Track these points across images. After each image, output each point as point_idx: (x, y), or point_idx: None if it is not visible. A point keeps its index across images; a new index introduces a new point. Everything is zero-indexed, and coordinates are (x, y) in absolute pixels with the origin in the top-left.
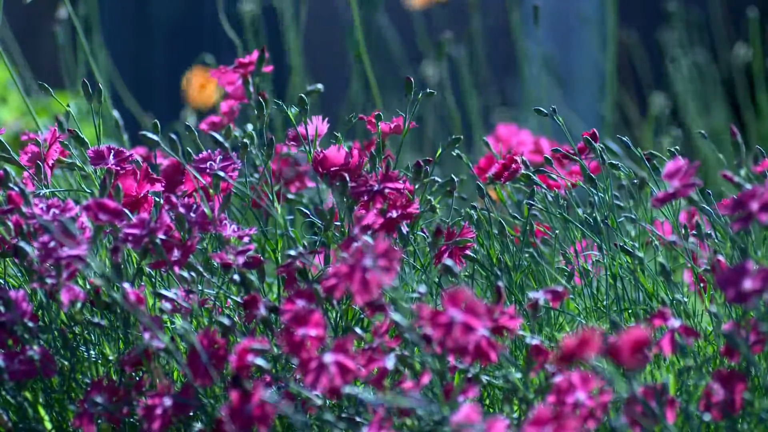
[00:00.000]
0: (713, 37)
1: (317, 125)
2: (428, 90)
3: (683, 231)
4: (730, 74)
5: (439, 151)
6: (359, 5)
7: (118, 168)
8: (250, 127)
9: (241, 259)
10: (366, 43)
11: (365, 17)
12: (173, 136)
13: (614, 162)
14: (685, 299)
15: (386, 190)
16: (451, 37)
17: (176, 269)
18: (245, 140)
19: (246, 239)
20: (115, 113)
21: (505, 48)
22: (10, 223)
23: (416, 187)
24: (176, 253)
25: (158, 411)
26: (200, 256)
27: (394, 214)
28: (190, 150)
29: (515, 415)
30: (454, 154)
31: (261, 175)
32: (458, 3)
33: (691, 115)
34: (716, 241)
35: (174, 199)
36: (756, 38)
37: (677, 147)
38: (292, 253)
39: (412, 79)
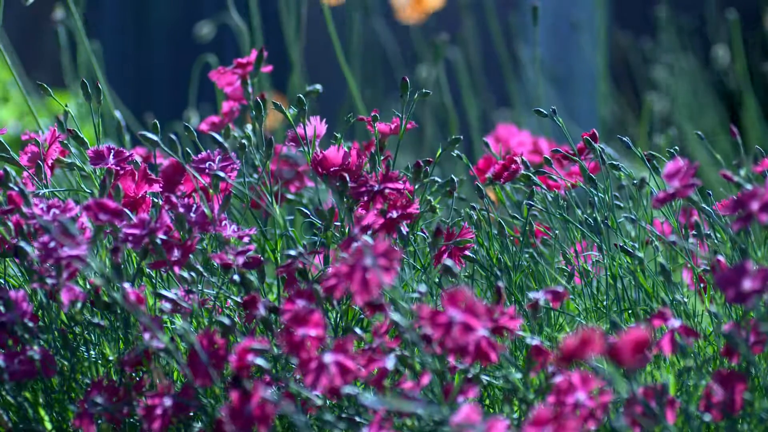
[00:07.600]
0: (707, 41)
1: (316, 126)
2: (424, 90)
3: (683, 231)
4: (726, 76)
5: (439, 151)
6: (356, 9)
7: (118, 168)
8: (249, 127)
9: (240, 260)
10: (364, 46)
11: (362, 20)
12: (173, 136)
13: (614, 162)
14: (685, 299)
15: (386, 191)
16: (448, 39)
17: (176, 269)
18: (244, 140)
19: (246, 239)
20: (117, 114)
21: (504, 49)
22: (10, 223)
23: (416, 187)
24: (176, 253)
25: (158, 411)
26: (200, 256)
27: (394, 214)
28: (189, 150)
29: (515, 415)
30: (454, 155)
31: (260, 175)
32: (458, 4)
33: (684, 116)
34: (716, 241)
35: (174, 199)
36: (737, 40)
37: (676, 147)
38: (292, 253)
39: (407, 80)
